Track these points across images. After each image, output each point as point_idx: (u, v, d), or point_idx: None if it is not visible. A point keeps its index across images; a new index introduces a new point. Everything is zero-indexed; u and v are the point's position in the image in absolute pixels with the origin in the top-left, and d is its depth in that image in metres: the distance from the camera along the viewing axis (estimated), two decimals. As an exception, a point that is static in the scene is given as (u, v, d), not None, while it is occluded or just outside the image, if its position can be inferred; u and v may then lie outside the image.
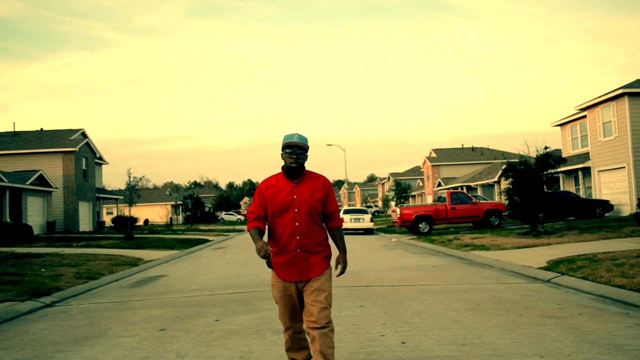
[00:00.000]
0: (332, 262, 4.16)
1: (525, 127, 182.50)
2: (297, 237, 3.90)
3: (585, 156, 30.43)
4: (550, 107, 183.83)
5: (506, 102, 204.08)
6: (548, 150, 18.93)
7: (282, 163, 4.04)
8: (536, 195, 18.67)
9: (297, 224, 3.89)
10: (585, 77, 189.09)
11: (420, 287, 9.38)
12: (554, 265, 10.75)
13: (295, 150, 3.90)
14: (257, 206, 4.06)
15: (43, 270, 13.27)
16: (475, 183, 49.30)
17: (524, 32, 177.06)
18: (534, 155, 18.98)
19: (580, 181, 31.75)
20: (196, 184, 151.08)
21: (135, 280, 12.35)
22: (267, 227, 4.08)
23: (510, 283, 9.64)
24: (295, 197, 3.92)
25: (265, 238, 3.94)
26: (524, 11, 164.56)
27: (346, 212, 32.46)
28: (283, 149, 3.97)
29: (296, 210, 3.90)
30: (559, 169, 29.54)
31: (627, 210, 26.12)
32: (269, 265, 4.04)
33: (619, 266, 9.65)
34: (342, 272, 4.09)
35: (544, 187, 18.84)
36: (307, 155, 4.00)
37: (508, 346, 5.22)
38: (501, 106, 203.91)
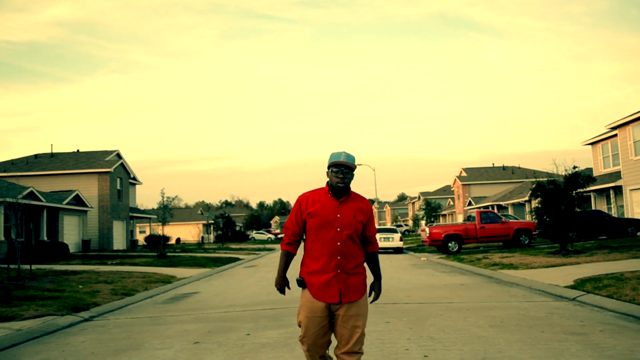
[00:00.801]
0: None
1: (557, 146, 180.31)
2: (338, 257, 3.74)
3: (616, 175, 30.14)
4: (582, 125, 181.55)
5: (538, 120, 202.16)
6: (577, 169, 18.92)
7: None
8: (565, 214, 18.65)
9: (338, 243, 3.74)
10: (618, 95, 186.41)
11: (447, 305, 9.56)
12: (580, 284, 10.82)
13: (342, 169, 3.79)
14: (294, 222, 3.95)
15: (80, 286, 13.76)
16: (506, 202, 48.98)
17: (555, 50, 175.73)
18: (563, 175, 18.98)
19: (612, 200, 31.40)
20: (227, 203, 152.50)
21: (169, 297, 12.74)
22: (303, 243, 4.01)
23: (535, 301, 9.75)
24: (338, 215, 3.78)
25: (299, 254, 4.01)
26: (555, 29, 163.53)
27: (376, 231, 32.57)
28: (329, 167, 3.85)
29: (338, 229, 3.76)
30: (589, 188, 29.34)
31: (660, 229, 25.72)
32: (301, 284, 3.84)
33: (645, 285, 9.69)
34: (375, 299, 4.01)
35: (573, 206, 18.79)
36: (353, 175, 3.87)
37: (527, 360, 5.40)
38: (533, 125, 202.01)
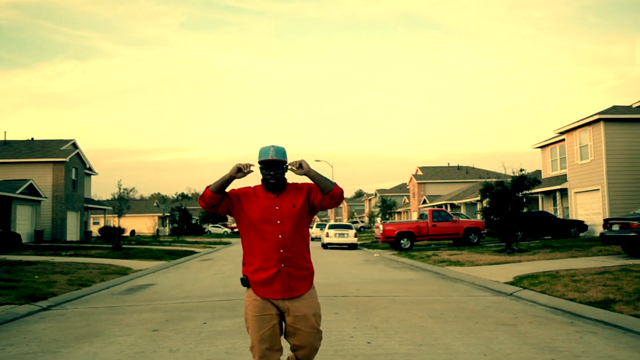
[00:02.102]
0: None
1: (512, 147, 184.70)
2: (281, 251, 3.57)
3: (563, 178, 31.47)
4: (538, 127, 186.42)
5: (495, 122, 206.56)
6: (523, 172, 19.86)
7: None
8: (511, 214, 19.57)
9: (280, 236, 3.58)
10: (575, 98, 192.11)
11: (393, 298, 10.16)
12: (518, 281, 11.56)
13: (272, 166, 3.62)
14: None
15: (36, 277, 13.87)
16: (459, 201, 50.33)
17: (515, 53, 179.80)
18: (511, 177, 19.90)
19: (558, 202, 32.78)
20: (183, 196, 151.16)
21: (126, 288, 13.00)
22: (242, 243, 3.80)
23: (475, 296, 10.44)
24: (277, 207, 3.63)
25: (234, 252, 4.02)
26: (516, 32, 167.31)
27: (331, 227, 33.30)
28: (259, 163, 3.68)
29: (279, 222, 3.60)
30: (536, 190, 30.54)
31: (600, 230, 27.01)
32: (245, 283, 3.66)
33: (575, 282, 10.48)
34: (298, 162, 3.61)
35: (519, 207, 19.72)
36: (286, 168, 3.68)
37: (459, 347, 6.00)
38: (490, 126, 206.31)
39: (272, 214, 3.61)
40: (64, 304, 10.46)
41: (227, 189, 3.68)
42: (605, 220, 16.10)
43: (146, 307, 9.77)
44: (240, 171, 3.56)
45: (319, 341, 3.67)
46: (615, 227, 15.34)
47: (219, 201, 3.63)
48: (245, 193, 3.73)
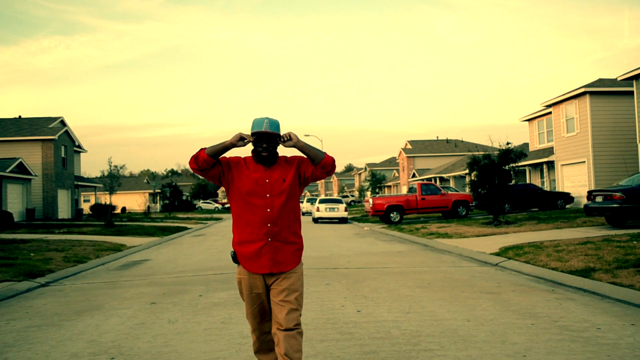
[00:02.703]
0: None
1: (501, 120, 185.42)
2: (269, 225, 3.55)
3: (550, 151, 31.87)
4: (527, 100, 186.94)
5: (484, 94, 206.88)
6: (510, 146, 20.17)
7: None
8: (498, 187, 19.93)
9: (268, 210, 3.55)
10: (564, 70, 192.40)
11: (382, 270, 10.48)
12: (503, 251, 11.93)
13: (265, 138, 3.55)
14: None
15: (32, 254, 14.09)
16: (448, 175, 50.74)
17: (503, 25, 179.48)
18: (497, 152, 20.22)
19: (545, 174, 33.21)
20: (173, 172, 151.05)
21: (121, 264, 13.26)
22: (231, 213, 3.76)
23: (462, 266, 10.79)
24: (267, 180, 3.59)
25: (225, 227, 3.96)
26: (504, 5, 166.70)
27: (321, 201, 33.60)
28: (252, 135, 3.59)
29: (268, 195, 3.57)
30: (523, 163, 30.99)
31: (585, 202, 27.55)
32: (235, 259, 3.67)
33: (558, 252, 10.85)
34: (289, 137, 3.58)
35: (506, 180, 20.07)
36: (279, 142, 3.62)
37: (444, 313, 6.32)
38: (479, 99, 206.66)
39: (262, 186, 3.57)
40: (61, 280, 10.70)
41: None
42: (589, 192, 16.48)
43: (142, 281, 10.03)
44: (242, 140, 3.53)
45: (296, 320, 3.52)
46: (599, 199, 15.72)
47: (211, 166, 3.57)
48: (236, 162, 3.68)
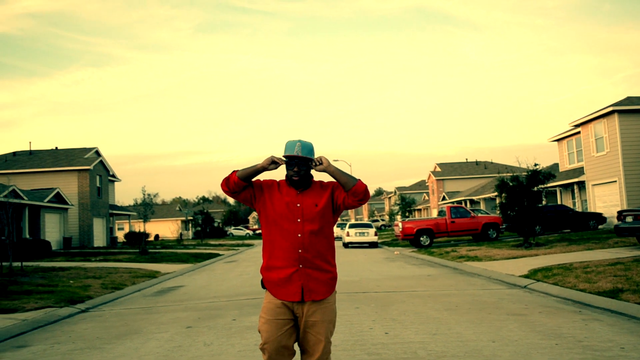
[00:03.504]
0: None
1: (531, 140, 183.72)
2: (300, 251, 3.43)
3: (580, 170, 31.62)
4: (556, 119, 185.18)
5: (513, 114, 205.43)
6: (537, 167, 20.18)
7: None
8: (527, 209, 19.90)
9: (299, 235, 3.44)
10: (593, 88, 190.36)
11: (411, 293, 10.65)
12: (532, 274, 11.98)
13: (296, 162, 3.49)
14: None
15: (71, 281, 14.58)
16: (478, 197, 50.46)
17: (530, 44, 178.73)
18: (525, 173, 20.25)
19: (577, 194, 32.91)
20: (204, 199, 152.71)
21: (157, 290, 13.65)
22: (262, 240, 3.68)
23: (490, 289, 10.89)
24: (298, 205, 3.49)
25: (257, 253, 3.81)
26: (530, 24, 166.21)
27: (352, 226, 33.82)
28: (284, 158, 3.54)
29: (299, 220, 3.47)
30: (553, 184, 30.79)
31: (619, 222, 27.23)
32: (263, 285, 3.58)
33: (587, 273, 10.88)
34: (320, 161, 3.49)
35: (535, 201, 20.04)
36: (311, 166, 3.53)
37: (470, 335, 6.49)
38: (507, 119, 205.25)
39: (293, 211, 3.47)
40: (100, 306, 11.11)
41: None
42: (619, 212, 16.38)
43: (178, 307, 10.37)
44: (274, 163, 3.46)
45: (329, 353, 3.47)
46: (629, 219, 15.64)
47: (242, 189, 3.54)
48: (269, 185, 3.61)
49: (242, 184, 3.52)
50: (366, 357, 5.63)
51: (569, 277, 10.68)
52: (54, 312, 9.91)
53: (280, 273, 3.46)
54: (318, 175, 3.70)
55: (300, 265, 3.44)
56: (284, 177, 3.64)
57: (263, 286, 3.58)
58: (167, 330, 7.82)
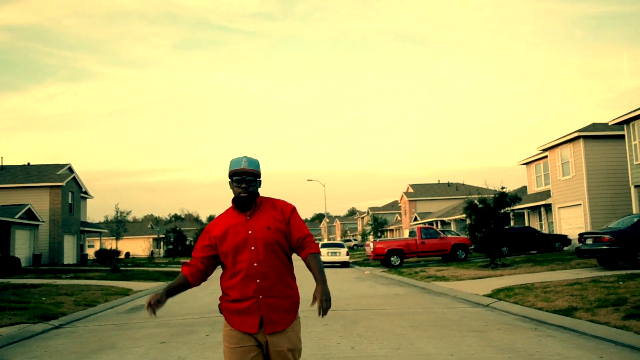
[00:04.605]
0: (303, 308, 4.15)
1: (503, 163, 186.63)
2: (258, 281, 3.20)
3: (547, 194, 32.54)
4: (528, 142, 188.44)
5: (486, 137, 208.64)
6: (505, 190, 20.87)
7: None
8: (494, 230, 20.52)
9: (255, 264, 3.20)
10: (565, 112, 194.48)
11: (379, 311, 11.04)
12: (495, 293, 12.48)
13: (245, 177, 3.28)
14: (200, 249, 3.37)
15: (44, 298, 14.65)
16: (449, 218, 51.30)
17: (504, 68, 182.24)
18: (492, 195, 20.91)
19: (544, 217, 33.81)
20: (177, 217, 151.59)
21: (129, 307, 13.81)
22: (221, 271, 3.41)
23: (455, 307, 11.34)
24: (250, 232, 3.25)
25: (212, 284, 3.48)
26: (505, 48, 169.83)
27: (324, 246, 34.23)
28: (230, 177, 3.33)
29: (253, 248, 3.23)
30: (520, 206, 31.59)
31: (583, 244, 28.08)
32: (221, 311, 3.35)
33: (546, 293, 11.40)
34: (322, 307, 3.26)
35: (501, 223, 20.68)
36: (259, 181, 3.38)
37: (431, 349, 6.90)
38: (481, 141, 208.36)
39: (245, 239, 3.25)
40: (74, 323, 11.27)
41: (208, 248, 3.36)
42: (580, 235, 17.06)
43: (151, 323, 10.59)
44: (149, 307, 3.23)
45: None
46: (589, 241, 16.31)
47: (208, 269, 3.39)
48: (218, 224, 3.38)
49: (201, 276, 3.38)
50: (332, 369, 6.00)
51: (529, 297, 11.19)
52: (28, 328, 10.06)
53: (238, 305, 3.23)
54: (264, 191, 3.50)
55: (260, 296, 3.21)
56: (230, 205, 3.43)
57: (221, 312, 3.35)
58: (142, 345, 8.08)
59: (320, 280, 3.28)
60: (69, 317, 11.77)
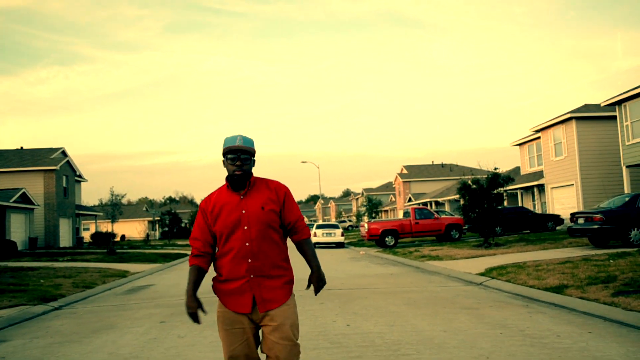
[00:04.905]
0: (297, 287, 4.30)
1: (496, 143, 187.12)
2: (249, 260, 3.21)
3: (540, 174, 32.78)
4: (522, 123, 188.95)
5: (480, 118, 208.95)
6: (497, 171, 21.05)
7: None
8: (487, 211, 20.73)
9: (247, 244, 3.21)
10: (559, 93, 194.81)
11: (374, 290, 11.23)
12: (488, 272, 12.69)
13: (239, 155, 3.25)
14: (201, 230, 3.36)
15: (42, 281, 14.79)
16: (443, 199, 51.58)
17: (498, 49, 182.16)
18: (485, 176, 21.09)
19: (537, 197, 34.09)
20: (171, 200, 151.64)
21: (127, 289, 13.97)
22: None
23: (448, 286, 11.54)
24: (243, 211, 3.24)
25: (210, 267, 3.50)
26: (497, 29, 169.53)
27: (318, 227, 34.42)
28: (224, 154, 3.31)
29: (245, 227, 3.23)
30: (514, 186, 31.85)
31: (576, 224, 28.39)
32: (215, 292, 3.34)
33: (538, 271, 11.61)
34: (318, 290, 3.46)
35: (494, 203, 20.88)
36: (254, 161, 3.36)
37: (424, 326, 7.08)
38: (474, 122, 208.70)
39: (238, 219, 3.24)
40: (73, 304, 11.42)
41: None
42: (572, 215, 17.27)
43: (150, 304, 10.76)
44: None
45: (296, 355, 3.24)
46: (581, 221, 16.53)
47: (211, 250, 3.40)
48: (212, 201, 3.37)
49: (206, 267, 3.40)
50: (328, 345, 6.17)
51: (521, 275, 11.40)
52: (28, 310, 10.21)
53: (229, 285, 3.24)
54: (258, 172, 3.48)
55: (252, 275, 3.23)
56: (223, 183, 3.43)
57: (215, 292, 3.35)
58: (142, 324, 8.23)
59: (315, 266, 3.42)
60: (68, 299, 11.92)
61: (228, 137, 3.32)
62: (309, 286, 3.50)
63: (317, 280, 3.40)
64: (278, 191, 3.37)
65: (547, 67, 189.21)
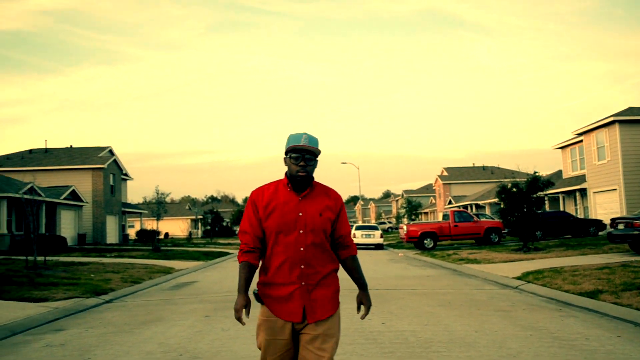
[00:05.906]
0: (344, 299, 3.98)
1: (539, 145, 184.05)
2: (302, 266, 3.07)
3: (582, 178, 32.37)
4: (566, 125, 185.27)
5: (522, 120, 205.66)
6: (537, 174, 21.00)
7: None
8: (527, 215, 20.70)
9: (301, 249, 3.07)
10: (603, 95, 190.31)
11: (410, 291, 11.52)
12: (525, 276, 12.81)
13: (304, 155, 3.09)
14: (252, 224, 3.17)
15: (92, 275, 15.53)
16: (483, 201, 51.22)
17: (542, 49, 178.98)
18: (525, 180, 21.07)
19: (579, 201, 33.65)
20: (213, 199, 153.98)
21: (173, 285, 14.57)
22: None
23: (484, 289, 11.74)
24: (300, 214, 3.10)
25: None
26: (542, 28, 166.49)
27: (358, 228, 34.76)
28: (287, 152, 3.15)
29: (301, 231, 3.08)
30: (555, 190, 31.55)
31: (619, 229, 27.97)
32: (258, 298, 3.15)
33: (574, 276, 11.70)
34: (366, 313, 3.33)
35: (534, 207, 20.84)
36: (317, 161, 3.18)
37: (457, 326, 7.36)
38: (517, 124, 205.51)
39: (294, 221, 3.09)
40: (123, 298, 12.04)
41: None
42: (612, 220, 17.16)
43: (194, 299, 11.28)
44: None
45: None
46: (621, 226, 16.42)
47: (261, 245, 3.20)
48: (269, 195, 3.18)
49: (256, 262, 3.19)
50: (363, 341, 6.52)
51: (557, 279, 11.51)
52: (81, 302, 10.85)
53: (279, 291, 3.08)
54: (318, 177, 3.33)
55: (302, 283, 3.08)
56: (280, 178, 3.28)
57: (258, 299, 3.16)
58: (188, 318, 8.73)
59: (363, 285, 3.33)
60: (117, 293, 12.55)
61: (292, 135, 3.18)
62: (359, 308, 3.36)
63: (367, 299, 3.29)
64: (337, 201, 3.24)
65: (591, 68, 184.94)
